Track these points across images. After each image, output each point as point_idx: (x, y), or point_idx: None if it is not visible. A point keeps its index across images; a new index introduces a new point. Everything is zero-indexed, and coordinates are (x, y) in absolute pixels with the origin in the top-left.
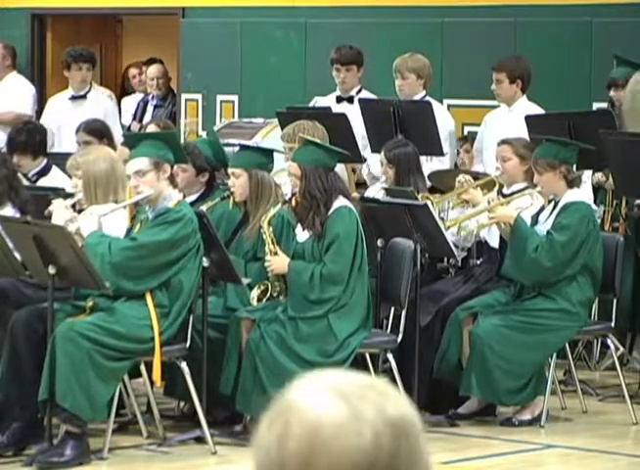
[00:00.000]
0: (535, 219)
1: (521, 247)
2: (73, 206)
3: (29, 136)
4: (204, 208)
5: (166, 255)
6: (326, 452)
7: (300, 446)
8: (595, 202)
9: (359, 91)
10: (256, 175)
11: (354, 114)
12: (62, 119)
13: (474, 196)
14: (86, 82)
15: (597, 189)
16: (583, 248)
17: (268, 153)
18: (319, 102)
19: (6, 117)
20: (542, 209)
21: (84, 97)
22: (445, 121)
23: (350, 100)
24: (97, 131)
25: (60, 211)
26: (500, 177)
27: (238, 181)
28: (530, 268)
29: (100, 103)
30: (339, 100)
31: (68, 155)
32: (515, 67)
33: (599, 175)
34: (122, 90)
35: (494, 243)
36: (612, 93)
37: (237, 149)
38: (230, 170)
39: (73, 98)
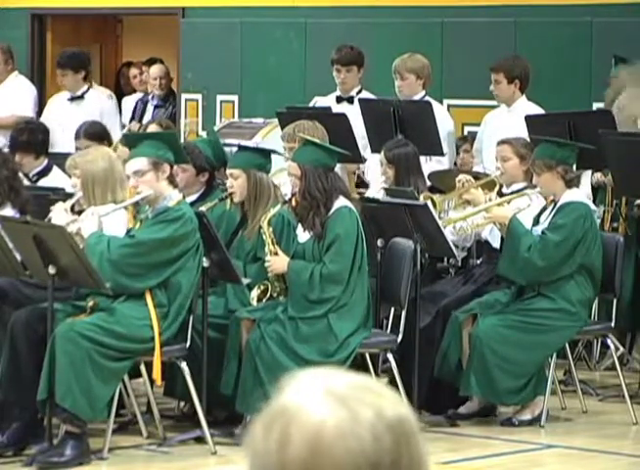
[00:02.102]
0: (537, 220)
1: (514, 246)
2: (73, 206)
3: (32, 135)
4: (203, 208)
5: (165, 253)
6: (328, 458)
7: (302, 452)
8: (595, 202)
9: (359, 91)
10: (255, 176)
11: (354, 114)
12: (60, 120)
13: (475, 196)
14: (79, 84)
15: (596, 189)
16: (579, 247)
17: (266, 153)
18: (319, 102)
19: (7, 121)
20: (544, 209)
21: (82, 97)
22: (445, 122)
23: (350, 100)
24: (97, 135)
25: (59, 215)
26: (500, 177)
27: (236, 182)
28: (524, 268)
29: (98, 103)
30: (339, 100)
31: (67, 155)
32: (512, 66)
33: (598, 175)
34: (117, 89)
35: (496, 244)
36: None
37: (234, 150)
38: (228, 172)
39: (72, 99)
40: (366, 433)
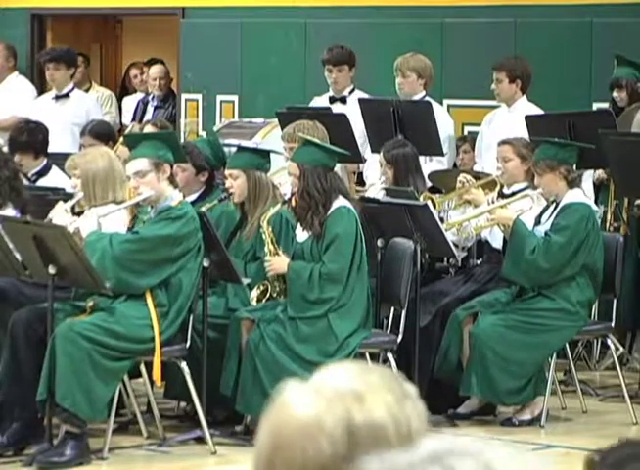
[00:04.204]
0: (538, 220)
1: (518, 249)
2: (73, 207)
3: (31, 136)
4: (203, 208)
5: (168, 250)
6: (283, 453)
7: (266, 443)
8: (596, 201)
9: (352, 91)
10: (254, 176)
11: (349, 114)
12: (45, 119)
13: (476, 196)
14: (67, 81)
15: (598, 187)
16: (582, 248)
17: (265, 153)
18: (313, 102)
19: (8, 123)
20: (546, 209)
21: (67, 96)
22: (445, 124)
23: (343, 100)
24: (103, 135)
25: (60, 216)
26: (501, 177)
27: (236, 183)
28: (528, 270)
29: (82, 102)
30: (331, 100)
31: (67, 155)
32: (514, 66)
33: (599, 172)
34: (123, 90)
35: (496, 244)
36: (614, 94)
37: (233, 150)
38: (227, 172)
39: (57, 97)
40: (321, 436)
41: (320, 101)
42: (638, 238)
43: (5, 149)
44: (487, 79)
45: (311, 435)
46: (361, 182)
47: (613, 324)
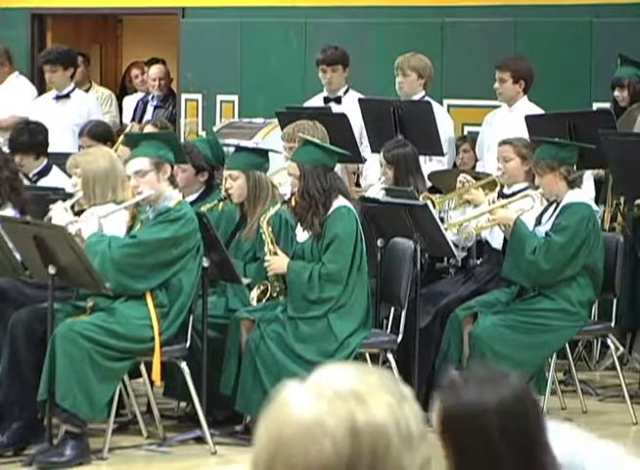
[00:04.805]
0: (539, 220)
1: (519, 249)
2: (72, 206)
3: (32, 136)
4: (203, 209)
5: (167, 253)
6: (285, 453)
7: (266, 444)
8: (596, 201)
9: (346, 91)
10: (253, 176)
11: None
12: (45, 119)
13: (476, 196)
14: (67, 82)
15: (599, 184)
16: (583, 249)
17: (264, 153)
18: (309, 102)
19: (7, 123)
20: (546, 209)
21: (68, 96)
22: (445, 126)
23: (338, 100)
24: (101, 136)
25: (59, 215)
26: (501, 177)
27: (236, 183)
28: (529, 270)
29: (83, 102)
30: (326, 101)
31: (67, 155)
32: (519, 67)
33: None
34: (122, 90)
35: (496, 244)
36: (616, 93)
37: (232, 150)
38: (227, 173)
39: (57, 98)
40: (324, 439)
41: (314, 101)
42: (637, 238)
43: (5, 149)
44: (487, 79)
45: (313, 436)
46: (357, 183)
47: (613, 324)
